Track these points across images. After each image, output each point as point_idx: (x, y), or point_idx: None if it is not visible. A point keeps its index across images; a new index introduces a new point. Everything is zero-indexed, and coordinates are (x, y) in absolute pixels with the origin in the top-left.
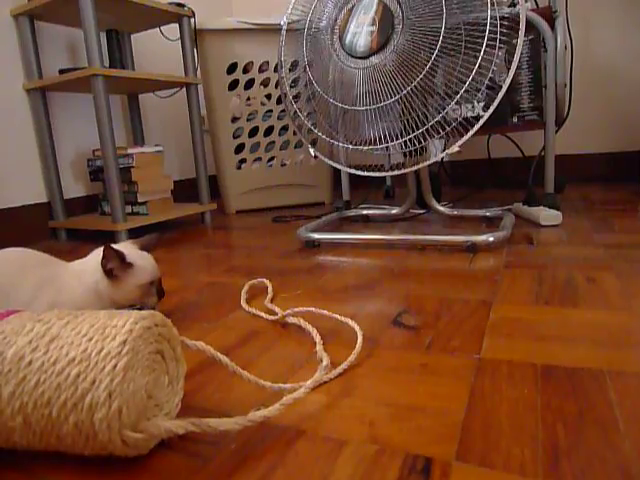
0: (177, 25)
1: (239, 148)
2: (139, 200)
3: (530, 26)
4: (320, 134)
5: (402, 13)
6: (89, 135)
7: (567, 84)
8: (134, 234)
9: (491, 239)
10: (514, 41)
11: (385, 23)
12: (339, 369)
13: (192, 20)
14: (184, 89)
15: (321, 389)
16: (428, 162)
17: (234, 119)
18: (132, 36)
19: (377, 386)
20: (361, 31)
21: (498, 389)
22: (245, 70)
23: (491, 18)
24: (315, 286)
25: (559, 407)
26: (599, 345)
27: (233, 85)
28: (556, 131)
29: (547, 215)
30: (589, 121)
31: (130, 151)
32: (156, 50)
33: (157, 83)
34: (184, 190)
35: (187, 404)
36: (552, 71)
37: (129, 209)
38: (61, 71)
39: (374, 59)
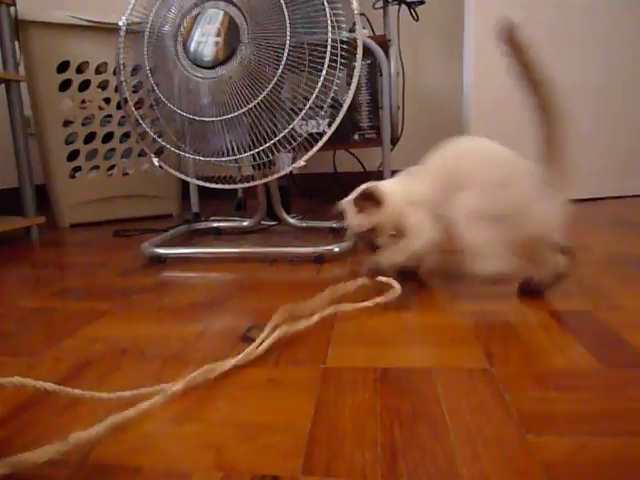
0: None
1: (73, 155)
2: None
3: (368, 51)
4: (165, 144)
5: (248, 27)
6: None
7: (400, 106)
8: None
9: (336, 249)
10: (353, 64)
11: (231, 35)
12: (179, 392)
13: (12, 9)
14: (3, 86)
15: (162, 416)
16: (277, 175)
17: (66, 123)
18: None
19: (223, 407)
20: (206, 41)
21: (342, 396)
22: (79, 70)
23: (332, 41)
24: (160, 305)
25: (396, 408)
26: (428, 344)
27: (65, 86)
28: (391, 149)
29: None
30: (419, 141)
31: None
32: None
33: None
34: (5, 201)
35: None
36: (387, 94)
37: None
38: None
39: (220, 70)
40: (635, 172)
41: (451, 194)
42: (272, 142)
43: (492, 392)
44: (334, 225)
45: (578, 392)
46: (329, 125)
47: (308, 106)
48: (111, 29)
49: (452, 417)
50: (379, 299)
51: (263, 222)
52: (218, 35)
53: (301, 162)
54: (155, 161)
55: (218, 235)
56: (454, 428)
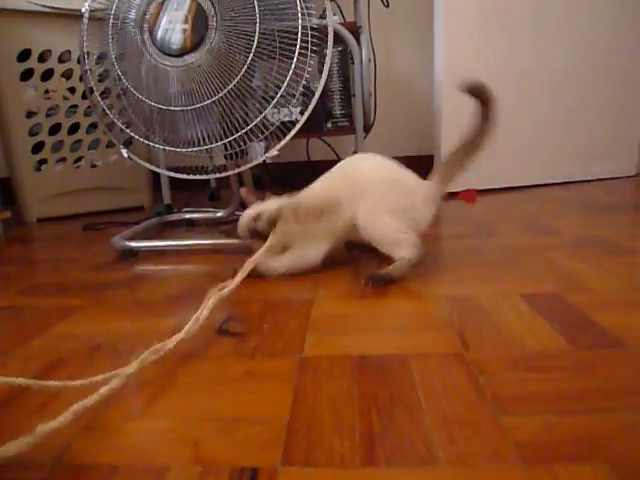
0: None
1: (38, 147)
2: None
3: (339, 38)
4: (134, 134)
5: (216, 14)
6: None
7: (372, 94)
8: None
9: None
10: (324, 51)
11: (199, 22)
12: (157, 387)
13: None
14: None
15: (139, 412)
16: (250, 165)
17: (30, 114)
18: None
19: (200, 401)
20: (173, 28)
21: (319, 386)
22: (41, 59)
23: (302, 28)
24: (134, 299)
25: (373, 395)
26: (404, 331)
27: (27, 75)
28: (364, 136)
29: None
30: (391, 128)
31: None
32: None
33: None
34: None
35: None
36: (359, 81)
37: None
38: None
39: (188, 58)
40: (603, 155)
41: (354, 203)
42: (244, 131)
43: (466, 376)
44: None
45: (549, 373)
46: (301, 113)
47: (280, 94)
48: (74, 15)
49: (428, 402)
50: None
51: (237, 212)
52: (185, 22)
53: (274, 151)
54: (124, 152)
55: (191, 227)
56: (430, 412)
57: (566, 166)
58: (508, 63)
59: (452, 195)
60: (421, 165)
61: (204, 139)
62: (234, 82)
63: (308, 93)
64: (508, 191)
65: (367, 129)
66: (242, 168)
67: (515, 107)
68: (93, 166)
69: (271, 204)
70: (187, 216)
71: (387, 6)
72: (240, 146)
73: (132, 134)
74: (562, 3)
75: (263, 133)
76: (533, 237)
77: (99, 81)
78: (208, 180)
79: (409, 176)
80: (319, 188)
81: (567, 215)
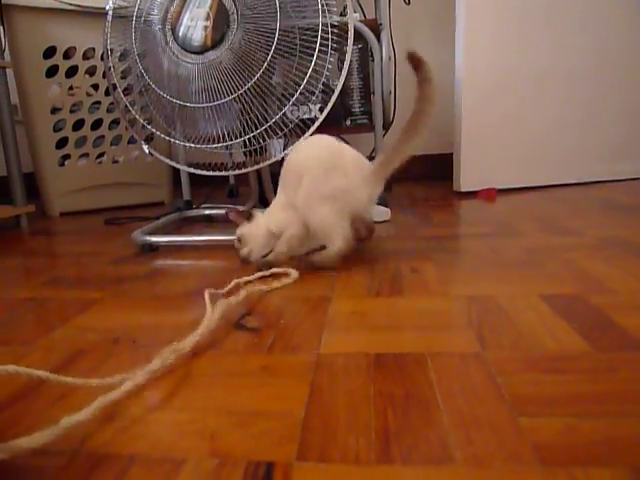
0: None
1: (61, 142)
2: None
3: (359, 35)
4: (155, 130)
5: (237, 11)
6: None
7: (392, 91)
8: None
9: None
10: (344, 48)
11: (220, 19)
12: (175, 380)
13: None
14: None
15: (157, 404)
16: (269, 161)
17: (54, 110)
18: None
19: (218, 395)
20: (195, 25)
21: (335, 382)
22: (66, 56)
23: (323, 25)
24: (153, 293)
25: (389, 393)
26: (421, 329)
27: (52, 72)
28: (384, 134)
29: (378, 212)
30: None
31: None
32: None
33: None
34: None
35: None
36: (379, 79)
37: None
38: None
39: (209, 55)
40: (625, 156)
41: (297, 189)
42: (263, 128)
43: (484, 376)
44: None
45: (569, 375)
46: (320, 110)
47: (299, 91)
48: (98, 13)
49: (445, 401)
50: (276, 284)
51: (255, 209)
52: (207, 19)
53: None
54: (145, 148)
55: (210, 223)
56: (447, 412)
57: (586, 166)
58: (528, 61)
59: (472, 194)
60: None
61: (224, 136)
62: (254, 79)
63: (327, 90)
64: (527, 191)
65: (386, 127)
66: (261, 165)
67: (535, 105)
68: (115, 162)
69: (258, 225)
70: (206, 212)
71: (408, 3)
72: (259, 143)
73: (153, 130)
74: (581, 0)
75: (282, 130)
76: (553, 237)
77: (122, 78)
78: (227, 177)
79: (349, 158)
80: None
81: (587, 215)
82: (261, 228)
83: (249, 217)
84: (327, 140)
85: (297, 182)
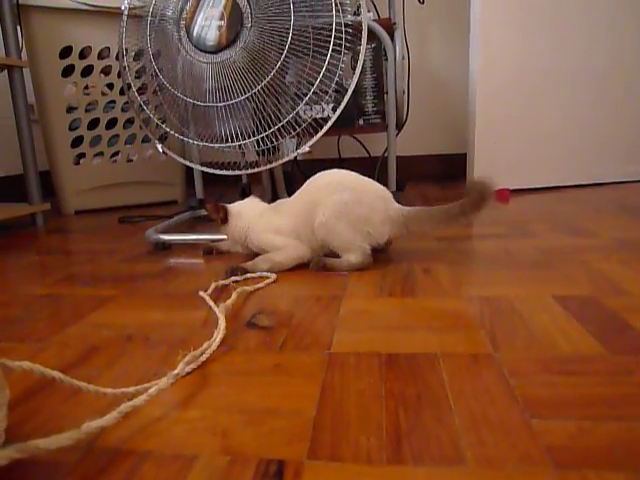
0: None
1: (77, 141)
2: None
3: (372, 35)
4: (169, 129)
5: (251, 10)
6: None
7: (405, 91)
8: None
9: None
10: (358, 47)
11: (234, 19)
12: (187, 378)
13: None
14: (5, 72)
15: (170, 402)
16: (281, 161)
17: (70, 109)
18: None
19: (230, 392)
20: (209, 25)
21: (347, 382)
22: (82, 55)
23: (336, 24)
24: (165, 291)
25: (401, 392)
26: (433, 330)
27: (68, 71)
28: (397, 134)
29: None
30: (424, 126)
31: None
32: None
33: None
34: (9, 188)
35: (10, 439)
36: (392, 78)
37: None
38: None
39: (223, 54)
40: (638, 157)
41: (313, 214)
42: (276, 127)
43: (497, 377)
44: None
45: (582, 377)
46: (334, 110)
47: (312, 91)
48: (113, 13)
49: (457, 402)
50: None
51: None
52: (221, 19)
53: (305, 147)
54: (159, 147)
55: None
56: (459, 413)
57: (600, 167)
58: (543, 60)
59: None
60: (454, 163)
61: (237, 135)
62: (267, 78)
63: (341, 90)
64: (541, 191)
65: (400, 126)
66: (274, 164)
67: (548, 106)
68: (129, 161)
69: (258, 222)
70: None
71: (422, 2)
72: (272, 142)
73: (167, 129)
74: (610, 2)
75: (295, 129)
76: (567, 238)
77: (136, 77)
78: (240, 176)
79: (372, 193)
80: (288, 203)
81: (602, 217)
82: (261, 224)
83: (224, 219)
84: (351, 174)
85: (315, 209)
